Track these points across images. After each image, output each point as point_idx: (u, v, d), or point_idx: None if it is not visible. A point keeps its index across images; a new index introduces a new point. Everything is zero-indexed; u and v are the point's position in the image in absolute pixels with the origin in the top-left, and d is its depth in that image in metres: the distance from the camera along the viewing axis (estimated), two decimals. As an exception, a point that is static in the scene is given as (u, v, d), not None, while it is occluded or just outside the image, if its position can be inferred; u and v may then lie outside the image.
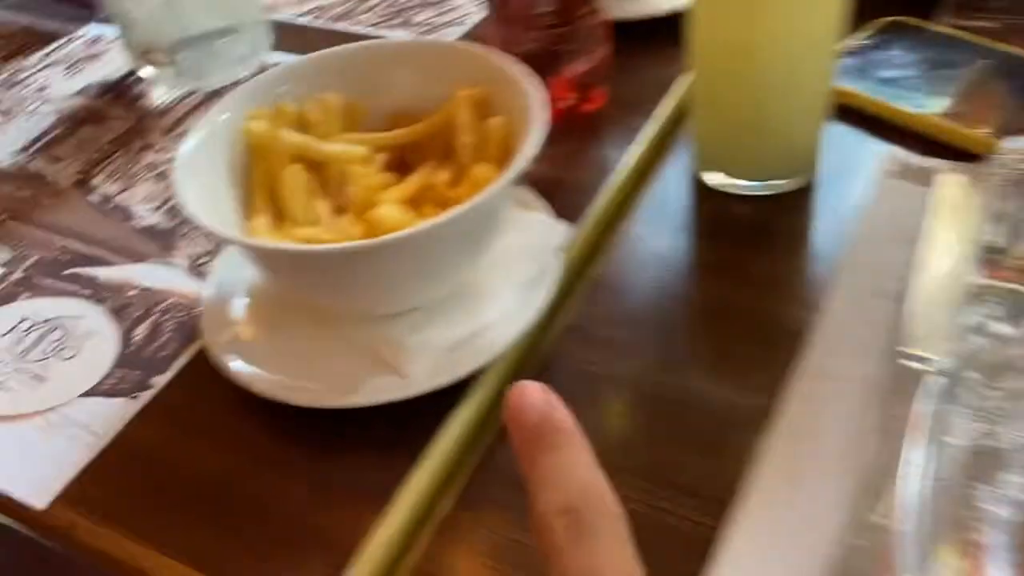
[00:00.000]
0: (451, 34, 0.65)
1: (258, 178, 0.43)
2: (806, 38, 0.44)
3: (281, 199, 0.42)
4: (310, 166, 0.43)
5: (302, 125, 0.45)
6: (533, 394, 0.25)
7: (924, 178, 0.49)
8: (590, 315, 0.45)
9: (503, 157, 0.42)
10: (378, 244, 0.34)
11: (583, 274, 0.47)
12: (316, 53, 0.46)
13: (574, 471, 0.24)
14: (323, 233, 0.38)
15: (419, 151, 0.46)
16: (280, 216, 0.42)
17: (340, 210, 0.43)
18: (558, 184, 0.52)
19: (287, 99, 0.44)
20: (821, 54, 0.45)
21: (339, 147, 0.43)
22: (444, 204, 0.42)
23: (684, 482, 0.37)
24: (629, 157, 0.52)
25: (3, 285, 0.49)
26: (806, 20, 0.43)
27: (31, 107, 0.64)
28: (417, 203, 0.42)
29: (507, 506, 0.37)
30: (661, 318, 0.45)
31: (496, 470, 0.39)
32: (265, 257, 0.38)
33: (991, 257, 0.43)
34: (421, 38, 0.45)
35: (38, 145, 0.60)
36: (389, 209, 0.36)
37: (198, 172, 0.40)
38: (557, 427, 0.25)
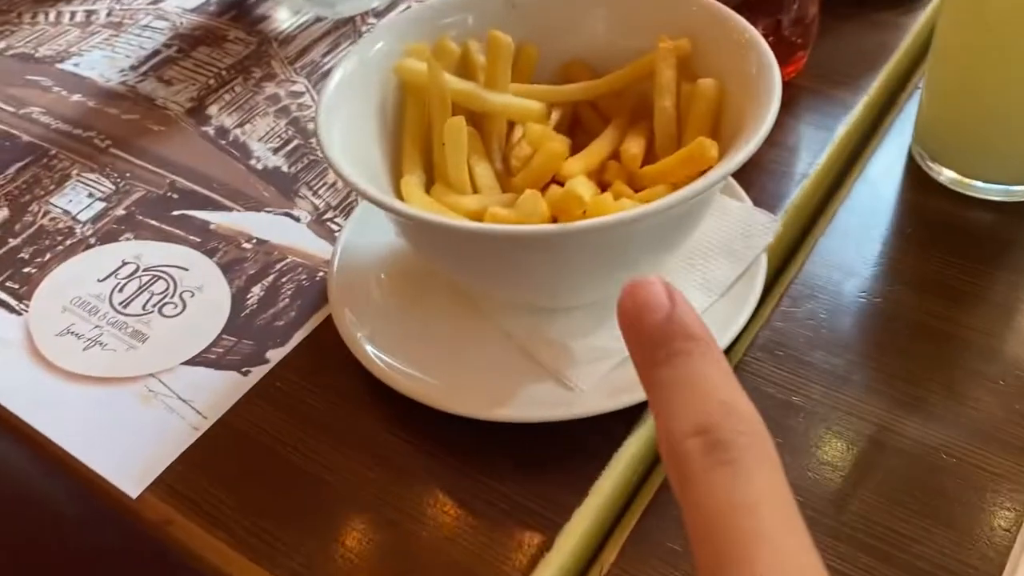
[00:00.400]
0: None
1: (410, 126, 0.36)
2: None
3: (436, 155, 0.35)
4: (470, 119, 0.36)
5: (465, 67, 0.37)
6: (653, 290, 0.20)
7: None
8: (786, 331, 0.37)
9: (710, 129, 0.34)
10: (581, 229, 0.27)
11: (778, 279, 0.39)
12: (488, -18, 0.38)
13: (709, 384, 0.19)
14: (495, 207, 0.31)
15: (596, 110, 0.38)
16: (431, 174, 0.35)
17: (500, 175, 0.36)
18: (753, 164, 0.44)
19: (450, 33, 0.37)
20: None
21: (511, 100, 0.35)
22: (632, 180, 0.34)
23: (910, 562, 0.30)
24: (837, 137, 0.44)
25: (103, 222, 0.44)
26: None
27: (144, 21, 0.57)
28: (599, 176, 0.34)
29: (674, 561, 0.30)
30: (874, 341, 0.36)
31: (665, 515, 0.31)
32: (431, 233, 0.31)
33: None
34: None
35: (149, 64, 0.54)
36: (583, 185, 0.29)
37: (343, 113, 0.33)
38: (686, 331, 0.20)
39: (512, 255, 0.30)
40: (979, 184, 0.40)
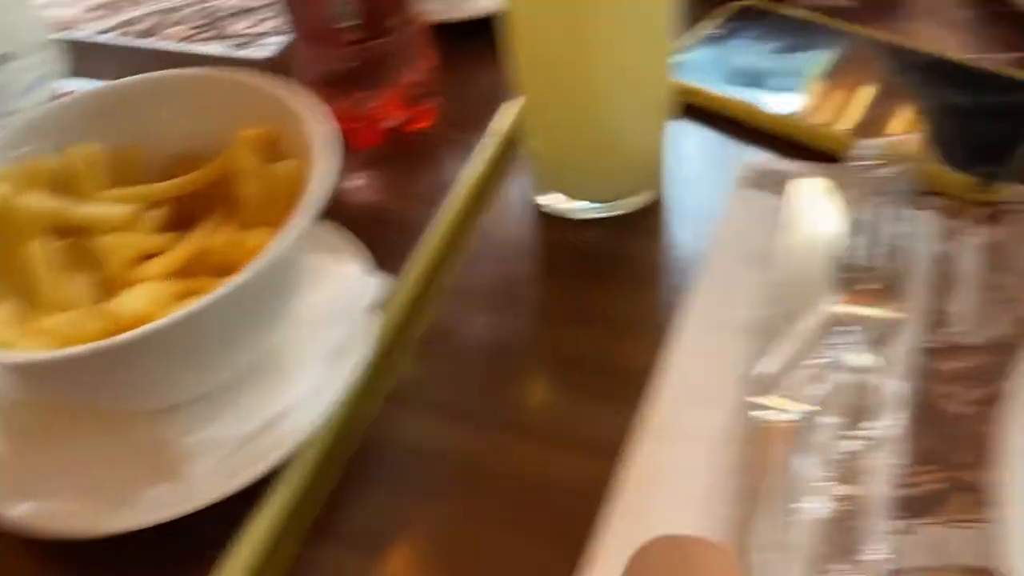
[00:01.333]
0: (271, 46, 0.58)
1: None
2: (636, 26, 0.38)
3: (30, 280, 0.35)
4: (72, 233, 0.37)
5: (65, 182, 0.38)
6: None
7: (780, 186, 0.45)
8: (416, 378, 0.39)
9: (295, 209, 0.36)
10: (104, 348, 0.28)
11: (409, 327, 0.41)
12: (68, 97, 0.39)
13: None
14: (66, 326, 0.31)
15: (205, 202, 0.39)
16: (33, 300, 0.36)
17: (105, 285, 0.36)
18: (385, 219, 0.46)
19: (39, 154, 0.37)
20: (655, 42, 0.40)
21: (96, 209, 0.36)
22: (223, 271, 0.35)
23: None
24: (460, 184, 0.47)
25: None
26: (634, 6, 0.38)
27: None
28: (193, 271, 0.36)
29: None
30: (495, 374, 0.39)
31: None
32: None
33: (849, 277, 0.39)
34: (192, 69, 0.39)
35: None
36: (134, 296, 0.30)
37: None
38: None
39: (68, 376, 0.30)
40: (581, 204, 0.44)
